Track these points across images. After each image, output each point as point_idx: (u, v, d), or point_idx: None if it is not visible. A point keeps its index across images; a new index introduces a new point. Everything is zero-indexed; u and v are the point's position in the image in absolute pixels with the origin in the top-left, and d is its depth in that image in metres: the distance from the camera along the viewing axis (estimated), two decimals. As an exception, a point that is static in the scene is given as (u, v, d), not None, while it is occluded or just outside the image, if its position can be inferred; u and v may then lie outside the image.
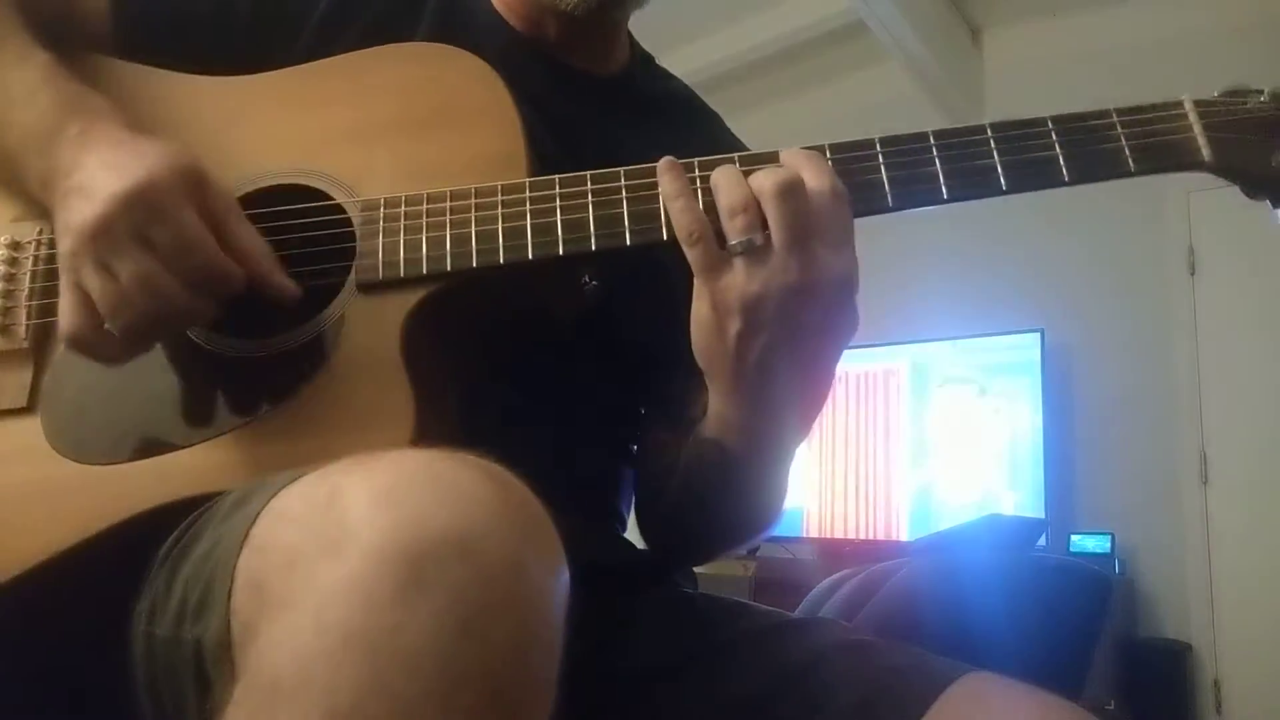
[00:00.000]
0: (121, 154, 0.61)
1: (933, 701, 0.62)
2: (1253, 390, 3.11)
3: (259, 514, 0.47)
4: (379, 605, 0.37)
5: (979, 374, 3.40)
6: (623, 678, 0.71)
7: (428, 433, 0.60)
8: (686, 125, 0.90)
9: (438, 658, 0.37)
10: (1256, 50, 2.92)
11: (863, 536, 3.45)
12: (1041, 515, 3.09)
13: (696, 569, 0.89)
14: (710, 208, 0.62)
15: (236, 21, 0.78)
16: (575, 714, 0.43)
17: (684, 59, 2.74)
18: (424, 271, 0.64)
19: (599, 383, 0.81)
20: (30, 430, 0.66)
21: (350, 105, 0.72)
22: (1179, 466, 3.18)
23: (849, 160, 0.64)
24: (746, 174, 0.61)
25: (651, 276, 0.74)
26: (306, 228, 0.67)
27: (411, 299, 0.64)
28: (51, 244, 0.71)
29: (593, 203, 0.64)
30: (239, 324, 0.65)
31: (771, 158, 0.63)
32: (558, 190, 0.65)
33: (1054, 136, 0.64)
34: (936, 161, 0.64)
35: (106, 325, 0.60)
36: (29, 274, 0.71)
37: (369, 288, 0.64)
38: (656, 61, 0.93)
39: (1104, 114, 0.65)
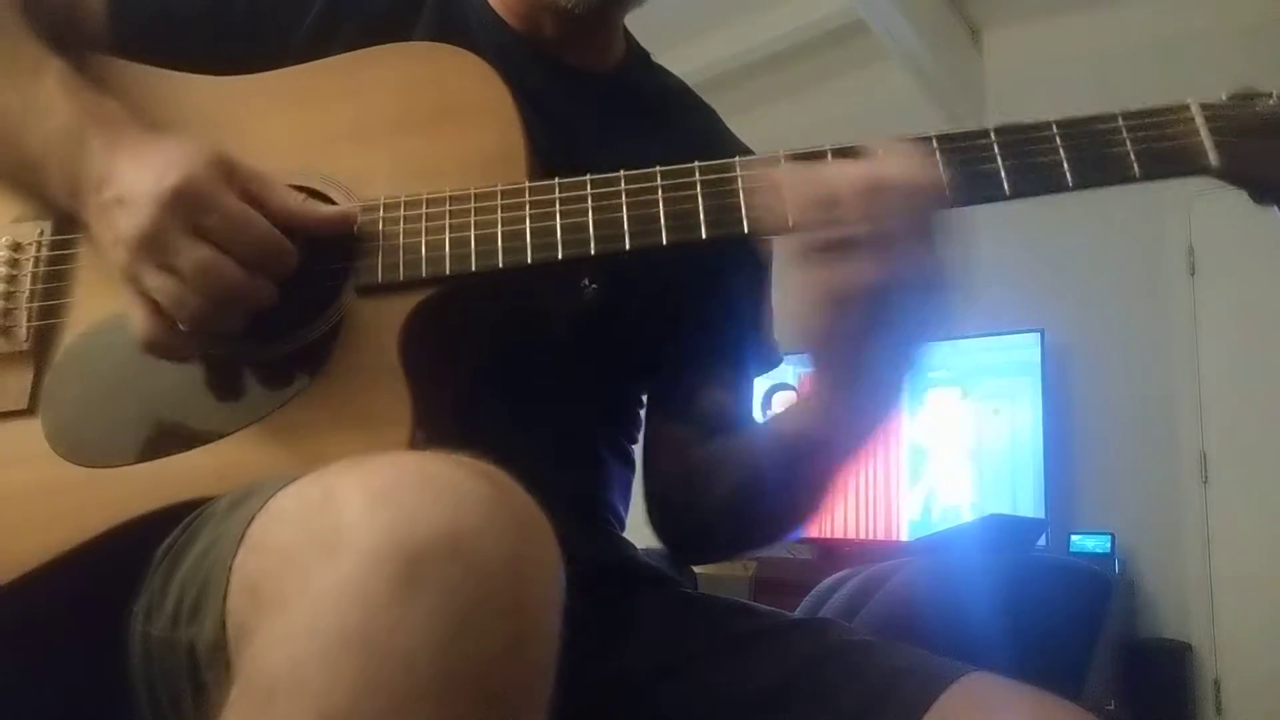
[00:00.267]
0: (150, 157, 0.61)
1: (933, 702, 0.62)
2: (1253, 391, 3.10)
3: (255, 515, 0.47)
4: (374, 605, 0.37)
5: (979, 374, 3.39)
6: (623, 678, 0.71)
7: (425, 435, 0.60)
8: (683, 121, 0.90)
9: (433, 657, 0.37)
10: (1258, 50, 2.91)
11: (863, 537, 3.44)
12: (1041, 515, 3.09)
13: (696, 569, 0.89)
14: (811, 198, 0.61)
15: (232, 20, 0.78)
16: (575, 714, 0.43)
17: (684, 58, 2.73)
18: (423, 275, 0.64)
19: (597, 385, 0.81)
20: (31, 432, 0.66)
21: (349, 105, 0.72)
22: (1179, 466, 3.18)
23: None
24: (839, 166, 0.62)
25: (650, 279, 0.74)
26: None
27: (410, 302, 0.64)
28: (53, 245, 0.71)
29: (592, 207, 0.64)
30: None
31: (864, 151, 0.63)
32: (557, 195, 0.65)
33: (1058, 140, 0.62)
34: (939, 163, 0.63)
35: (178, 324, 0.61)
36: (30, 275, 0.70)
37: (368, 290, 0.64)
38: (653, 59, 0.93)
39: (1109, 117, 0.63)
